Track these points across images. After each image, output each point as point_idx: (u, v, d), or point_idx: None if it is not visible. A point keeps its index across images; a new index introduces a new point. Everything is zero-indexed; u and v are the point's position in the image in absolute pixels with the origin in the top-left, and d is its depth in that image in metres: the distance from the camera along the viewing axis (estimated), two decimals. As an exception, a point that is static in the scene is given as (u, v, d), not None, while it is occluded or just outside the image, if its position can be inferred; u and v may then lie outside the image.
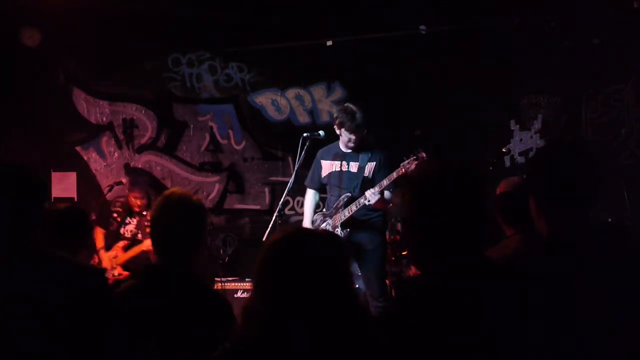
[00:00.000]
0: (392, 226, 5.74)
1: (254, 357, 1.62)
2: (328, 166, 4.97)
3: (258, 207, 7.23)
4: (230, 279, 5.85)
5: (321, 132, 4.92)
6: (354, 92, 6.96)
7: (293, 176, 4.82)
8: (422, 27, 6.63)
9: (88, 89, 7.02)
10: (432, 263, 1.72)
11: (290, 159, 7.18)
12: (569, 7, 6.30)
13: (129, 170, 7.01)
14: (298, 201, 6.93)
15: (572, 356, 1.62)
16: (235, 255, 6.82)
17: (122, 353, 2.07)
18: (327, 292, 1.62)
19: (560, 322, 1.61)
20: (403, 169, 4.49)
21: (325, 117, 7.09)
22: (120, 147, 7.08)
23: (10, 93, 6.73)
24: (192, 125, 7.17)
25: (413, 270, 5.49)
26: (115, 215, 5.85)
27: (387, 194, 4.72)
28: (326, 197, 5.09)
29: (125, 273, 5.51)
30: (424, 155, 4.50)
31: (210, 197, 7.16)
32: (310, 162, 5.09)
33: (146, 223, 5.53)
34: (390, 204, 4.83)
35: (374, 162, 4.80)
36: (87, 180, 7.00)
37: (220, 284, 5.76)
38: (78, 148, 7.03)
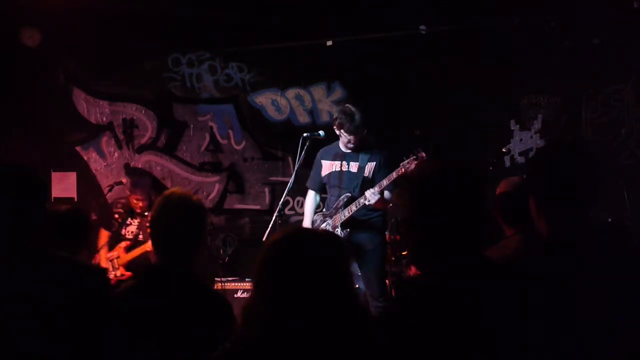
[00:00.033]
0: (392, 226, 5.74)
1: (254, 357, 1.62)
2: (328, 166, 4.97)
3: (258, 207, 7.22)
4: (230, 279, 5.85)
5: (321, 132, 4.93)
6: (354, 92, 6.96)
7: (293, 176, 4.82)
8: (422, 27, 6.63)
9: (88, 89, 7.02)
10: (432, 263, 1.72)
11: (290, 159, 7.18)
12: (569, 7, 6.30)
13: (129, 170, 7.00)
14: (298, 201, 6.93)
15: (572, 356, 1.62)
16: (235, 255, 6.82)
17: (122, 353, 2.07)
18: (327, 292, 1.62)
19: (560, 322, 1.61)
20: (403, 169, 4.50)
21: (325, 117, 7.08)
22: (120, 147, 7.08)
23: (10, 93, 6.72)
24: (192, 125, 7.17)
25: (413, 270, 5.49)
26: (116, 216, 5.85)
27: (387, 194, 4.72)
28: (326, 198, 5.09)
29: (128, 273, 5.52)
30: (424, 155, 4.50)
31: (210, 197, 7.16)
32: (310, 162, 5.09)
33: (147, 224, 5.53)
34: (390, 204, 4.83)
35: (374, 162, 4.80)
36: (87, 180, 6.99)
37: (220, 284, 5.76)
38: (78, 148, 7.03)
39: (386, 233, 5.18)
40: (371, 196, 4.55)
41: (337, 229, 4.78)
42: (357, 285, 3.94)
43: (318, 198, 5.16)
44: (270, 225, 4.66)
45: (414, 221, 1.75)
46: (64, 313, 1.94)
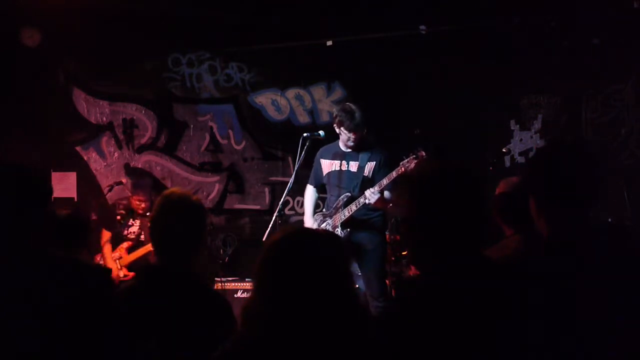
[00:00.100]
0: (392, 226, 5.74)
1: (254, 357, 1.62)
2: (328, 165, 4.97)
3: (258, 207, 7.22)
4: (230, 279, 5.85)
5: (321, 132, 4.93)
6: (354, 92, 6.96)
7: (293, 176, 4.82)
8: (422, 27, 6.63)
9: (88, 89, 7.02)
10: (432, 263, 1.72)
11: (290, 159, 7.18)
12: (569, 7, 6.30)
13: (129, 170, 7.01)
14: (298, 201, 6.93)
15: (572, 356, 1.62)
16: (235, 255, 6.82)
17: (122, 353, 2.07)
18: (327, 292, 1.62)
19: (560, 322, 1.61)
20: (402, 168, 4.50)
21: (325, 117, 7.08)
22: (120, 147, 7.08)
23: (10, 93, 6.72)
24: (192, 125, 7.17)
25: (413, 270, 5.49)
26: (118, 217, 5.86)
27: (386, 193, 4.72)
28: (326, 197, 5.09)
29: (131, 274, 5.53)
30: (424, 154, 4.50)
31: (210, 197, 7.16)
32: (310, 162, 5.09)
33: (149, 224, 5.53)
34: (390, 204, 4.83)
35: (374, 162, 4.80)
36: (87, 180, 6.99)
37: (220, 284, 5.76)
38: (78, 148, 7.03)
39: (386, 233, 5.18)
40: (371, 195, 4.55)
41: (337, 229, 4.78)
42: (357, 285, 3.94)
43: (316, 194, 5.17)
44: (270, 225, 4.66)
45: (414, 221, 1.75)
46: (64, 313, 1.94)
